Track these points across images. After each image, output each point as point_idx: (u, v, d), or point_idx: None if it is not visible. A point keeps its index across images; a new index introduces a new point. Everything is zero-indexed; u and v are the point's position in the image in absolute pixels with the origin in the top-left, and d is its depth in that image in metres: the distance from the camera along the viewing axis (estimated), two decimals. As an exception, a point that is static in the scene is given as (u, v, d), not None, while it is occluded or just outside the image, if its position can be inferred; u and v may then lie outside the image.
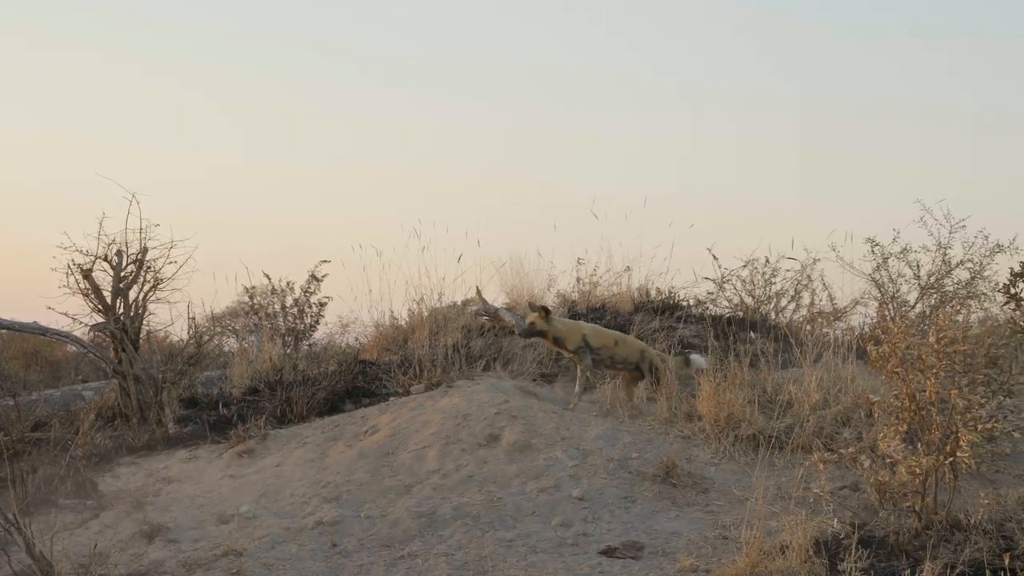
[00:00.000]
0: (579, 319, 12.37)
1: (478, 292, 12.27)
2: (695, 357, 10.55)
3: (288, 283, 15.52)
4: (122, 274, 11.30)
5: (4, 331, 12.93)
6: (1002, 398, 7.57)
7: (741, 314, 13.18)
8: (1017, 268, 11.98)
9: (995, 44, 34.39)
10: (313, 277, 15.39)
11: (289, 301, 15.54)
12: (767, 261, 13.23)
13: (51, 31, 34.83)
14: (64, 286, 11.15)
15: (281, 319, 15.50)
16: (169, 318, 14.49)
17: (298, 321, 15.55)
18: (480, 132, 35.96)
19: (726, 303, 13.46)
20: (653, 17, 35.03)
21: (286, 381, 11.47)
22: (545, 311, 10.36)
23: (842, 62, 35.14)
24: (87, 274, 11.13)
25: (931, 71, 35.54)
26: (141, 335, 11.50)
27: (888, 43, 34.25)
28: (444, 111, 36.17)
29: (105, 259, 11.30)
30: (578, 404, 10.28)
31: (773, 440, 9.05)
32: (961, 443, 6.96)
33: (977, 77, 34.66)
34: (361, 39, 35.94)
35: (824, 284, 13.13)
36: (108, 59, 35.36)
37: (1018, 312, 11.66)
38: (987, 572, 6.35)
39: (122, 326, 11.17)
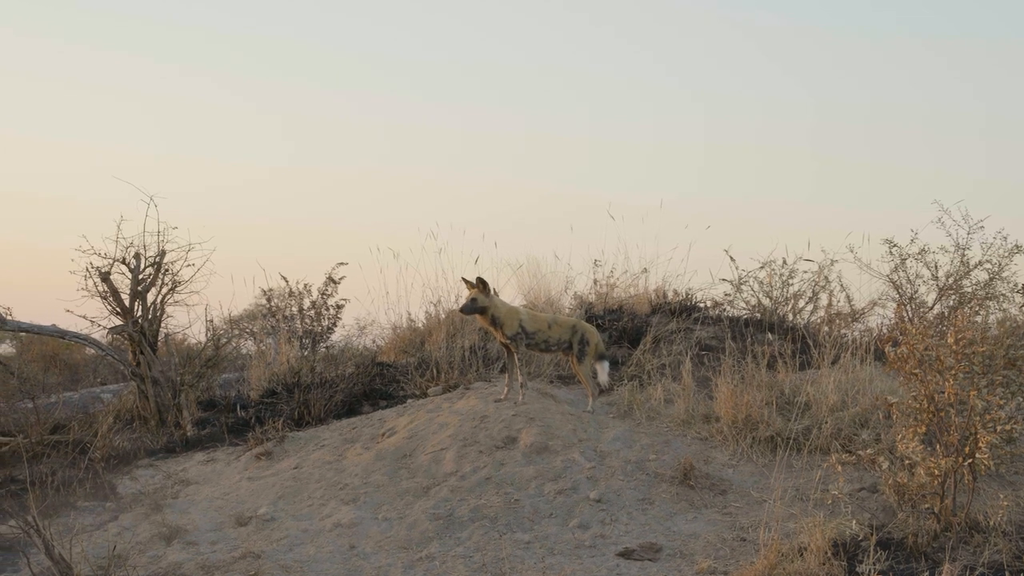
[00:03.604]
0: (596, 321, 12.36)
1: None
2: (606, 363, 10.24)
3: (305, 285, 15.54)
4: (140, 277, 11.33)
5: (23, 334, 12.96)
6: (1021, 399, 7.53)
7: (758, 315, 13.15)
8: (1035, 268, 11.94)
9: (1009, 47, 34.34)
10: (330, 279, 15.40)
11: (306, 303, 15.55)
12: (784, 263, 13.21)
13: (71, 37, 35.03)
14: (82, 289, 11.20)
15: (298, 321, 15.51)
16: (187, 321, 14.58)
17: (315, 323, 15.56)
18: (497, 137, 36.05)
19: (743, 304, 13.44)
20: (668, 23, 35.08)
21: (303, 383, 11.48)
22: (483, 284, 9.84)
23: (855, 66, 35.11)
24: (105, 277, 11.15)
25: (946, 74, 35.52)
26: (159, 338, 11.53)
27: (901, 47, 34.23)
28: (463, 116, 36.26)
29: (123, 262, 11.33)
30: (527, 393, 10.05)
31: (791, 442, 9.03)
32: (980, 444, 6.93)
33: (993, 79, 34.60)
34: (384, 47, 36.08)
35: (842, 285, 13.11)
36: (133, 64, 35.56)
37: (1036, 312, 11.62)
38: (1007, 574, 6.34)
39: (140, 329, 11.19)
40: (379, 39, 36.36)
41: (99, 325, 11.35)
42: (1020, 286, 12.46)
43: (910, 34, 34.85)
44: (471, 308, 9.79)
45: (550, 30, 35.72)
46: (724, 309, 13.44)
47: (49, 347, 17.84)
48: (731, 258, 13.35)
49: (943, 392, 7.12)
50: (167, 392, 11.22)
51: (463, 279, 9.96)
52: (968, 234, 12.61)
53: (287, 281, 15.55)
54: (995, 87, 34.55)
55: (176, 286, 11.59)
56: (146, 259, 11.43)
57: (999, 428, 6.94)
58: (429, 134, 35.76)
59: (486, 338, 12.14)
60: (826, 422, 9.18)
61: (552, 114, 36.16)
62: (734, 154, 34.62)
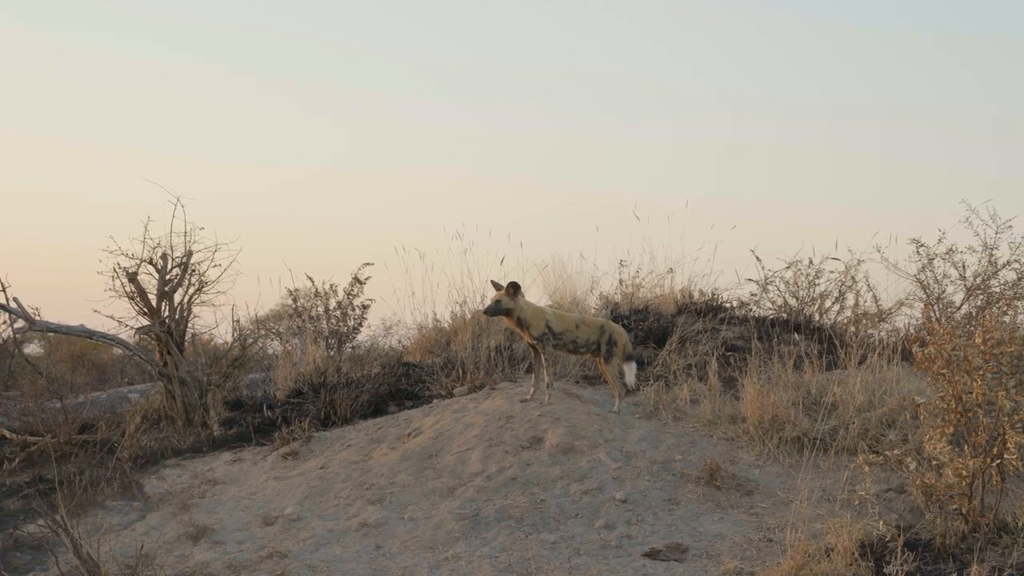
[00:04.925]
0: (622, 321, 12.34)
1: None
2: (633, 364, 10.20)
3: (331, 286, 15.56)
4: (167, 277, 11.37)
5: (51, 334, 13.03)
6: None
7: (785, 316, 13.10)
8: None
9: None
10: (356, 280, 15.41)
11: (332, 304, 15.57)
12: (811, 262, 13.15)
13: (100, 37, 35.21)
14: (110, 289, 11.25)
15: (324, 322, 15.53)
16: (214, 321, 14.58)
17: (341, 324, 15.57)
18: (523, 137, 36.07)
19: (770, 305, 13.38)
20: (692, 24, 35.04)
21: (329, 384, 11.50)
22: (514, 288, 9.84)
23: (876, 66, 34.98)
24: (132, 277, 11.20)
25: (968, 73, 35.36)
26: (186, 338, 11.57)
27: (925, 46, 34.11)
28: (487, 117, 36.29)
29: (150, 262, 11.38)
30: (552, 393, 10.01)
31: (818, 442, 8.99)
32: (1008, 445, 6.89)
33: (1012, 79, 34.47)
34: (411, 48, 36.12)
35: (868, 285, 13.03)
36: (159, 65, 35.70)
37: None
38: (1035, 575, 6.30)
39: (167, 329, 11.24)
40: (403, 39, 36.42)
41: (126, 325, 11.41)
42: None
43: (934, 34, 34.74)
44: (495, 310, 9.80)
45: (575, 31, 35.73)
46: (750, 309, 13.40)
47: (77, 347, 17.94)
48: (757, 258, 13.31)
49: (971, 392, 7.08)
50: (194, 392, 11.26)
51: (491, 281, 9.97)
52: (996, 234, 12.48)
53: (313, 281, 15.59)
54: (1013, 87, 34.44)
55: (203, 286, 11.63)
56: (173, 259, 11.47)
57: (1027, 429, 6.90)
58: (454, 135, 35.85)
59: (512, 338, 12.14)
60: (853, 422, 9.14)
61: (577, 114, 36.18)
62: (759, 154, 34.60)
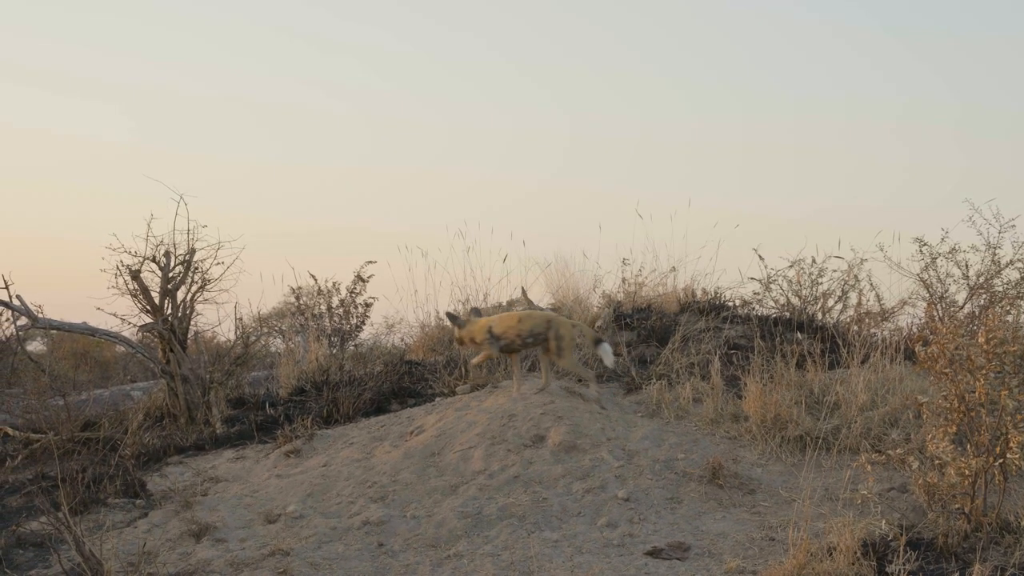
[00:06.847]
0: (624, 320, 12.34)
1: (523, 293, 12.09)
2: (605, 346, 10.17)
3: (334, 284, 15.56)
4: (170, 275, 11.37)
5: (54, 332, 13.04)
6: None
7: (788, 314, 13.09)
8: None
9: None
10: (359, 278, 15.40)
11: (335, 302, 15.57)
12: (814, 261, 13.13)
13: (122, 39, 35.28)
14: (113, 287, 11.24)
15: (327, 320, 15.54)
16: (216, 319, 14.66)
17: (344, 322, 15.57)
18: (534, 137, 36.03)
19: (772, 303, 13.36)
20: (706, 23, 35.03)
21: (332, 381, 11.51)
22: (477, 313, 10.32)
23: (887, 65, 34.96)
24: (135, 275, 11.20)
25: (973, 72, 35.37)
26: (189, 335, 11.57)
27: (931, 46, 34.13)
28: (491, 116, 36.28)
29: (153, 260, 11.37)
30: (522, 387, 10.20)
31: (820, 441, 8.99)
32: (1011, 444, 6.89)
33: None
34: (425, 48, 36.13)
35: (871, 284, 13.01)
36: (149, 63, 35.71)
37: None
38: (1038, 575, 6.29)
39: (170, 326, 11.24)
40: (419, 40, 36.42)
41: (129, 323, 11.42)
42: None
43: (940, 34, 34.72)
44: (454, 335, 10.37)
45: (583, 26, 35.71)
46: (753, 308, 13.38)
47: (80, 345, 17.99)
48: (760, 257, 13.29)
49: (974, 392, 7.08)
50: (197, 390, 11.27)
51: (447, 313, 10.37)
52: (999, 232, 12.47)
53: (316, 279, 15.59)
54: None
55: (206, 284, 11.63)
56: (176, 257, 11.48)
57: (1030, 428, 6.90)
58: (447, 134, 35.83)
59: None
60: (855, 421, 9.14)
61: (584, 113, 36.17)
62: (764, 153, 34.61)
